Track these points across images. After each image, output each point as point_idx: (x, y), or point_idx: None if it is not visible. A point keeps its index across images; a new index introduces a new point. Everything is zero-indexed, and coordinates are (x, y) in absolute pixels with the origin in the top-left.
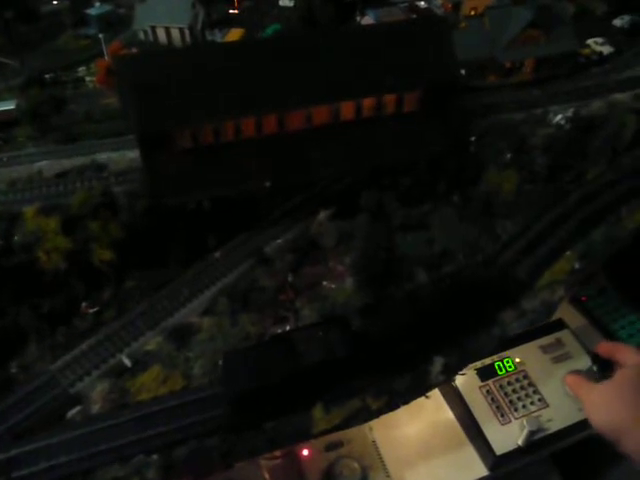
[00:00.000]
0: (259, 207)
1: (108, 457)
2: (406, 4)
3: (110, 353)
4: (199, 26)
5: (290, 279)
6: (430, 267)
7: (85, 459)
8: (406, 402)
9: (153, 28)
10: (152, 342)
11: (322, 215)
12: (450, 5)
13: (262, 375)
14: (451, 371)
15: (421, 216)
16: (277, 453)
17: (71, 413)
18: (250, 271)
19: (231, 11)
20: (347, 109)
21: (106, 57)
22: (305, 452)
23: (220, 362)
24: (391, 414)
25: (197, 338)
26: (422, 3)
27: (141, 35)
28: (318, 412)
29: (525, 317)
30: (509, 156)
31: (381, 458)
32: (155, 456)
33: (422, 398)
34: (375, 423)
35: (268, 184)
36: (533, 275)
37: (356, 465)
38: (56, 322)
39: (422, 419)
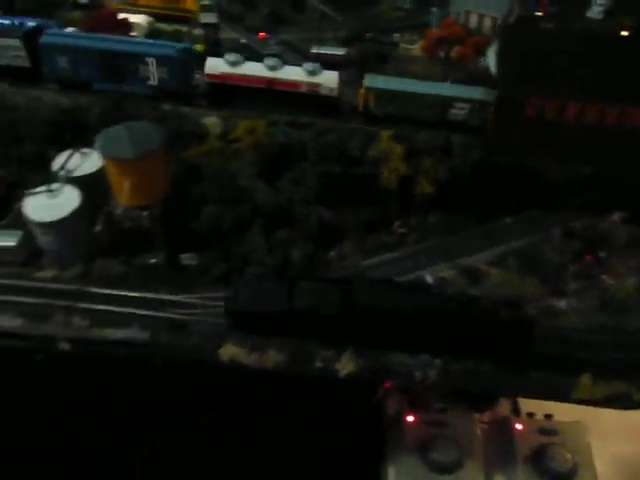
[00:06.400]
0: (553, 188)
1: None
2: None
3: (409, 269)
4: (512, 19)
5: (603, 255)
6: None
7: None
8: None
9: (467, 12)
10: (446, 272)
11: (616, 215)
12: None
13: None
14: None
15: None
16: (489, 418)
17: None
18: (538, 243)
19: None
20: None
21: (434, 29)
22: (519, 426)
23: None
24: (613, 429)
25: (485, 282)
26: None
27: (453, 17)
28: (586, 380)
29: None
30: None
31: (593, 462)
32: (438, 360)
33: None
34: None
35: (587, 170)
36: None
37: (569, 457)
38: (370, 230)
39: None
